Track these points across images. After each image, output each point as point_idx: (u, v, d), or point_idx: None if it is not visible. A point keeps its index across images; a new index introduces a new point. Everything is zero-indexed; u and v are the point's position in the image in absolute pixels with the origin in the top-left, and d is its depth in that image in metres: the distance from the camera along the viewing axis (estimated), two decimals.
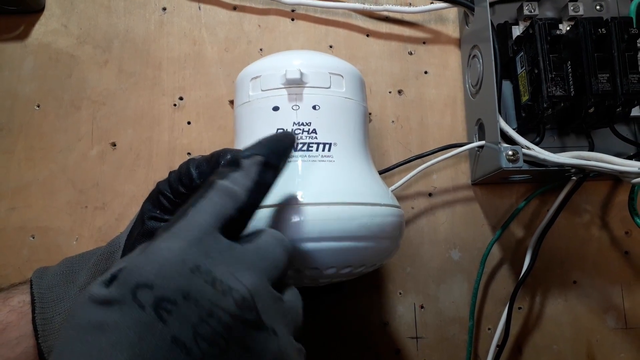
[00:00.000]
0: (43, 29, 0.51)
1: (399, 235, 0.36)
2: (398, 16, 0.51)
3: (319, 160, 0.34)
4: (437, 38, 0.51)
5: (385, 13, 0.51)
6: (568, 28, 0.45)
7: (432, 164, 0.46)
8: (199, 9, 0.52)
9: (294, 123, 0.35)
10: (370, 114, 0.49)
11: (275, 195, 0.32)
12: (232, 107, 0.49)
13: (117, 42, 0.51)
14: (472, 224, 0.48)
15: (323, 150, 0.35)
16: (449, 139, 0.49)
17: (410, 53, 0.51)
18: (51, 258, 0.47)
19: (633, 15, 0.45)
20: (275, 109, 0.35)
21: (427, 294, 0.47)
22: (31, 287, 0.33)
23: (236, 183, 0.27)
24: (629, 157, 0.46)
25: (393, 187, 0.46)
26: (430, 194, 0.49)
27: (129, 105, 0.50)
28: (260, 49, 0.51)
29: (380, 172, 0.47)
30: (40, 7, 0.51)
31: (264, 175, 0.28)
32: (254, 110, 0.36)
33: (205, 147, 0.49)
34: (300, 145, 0.34)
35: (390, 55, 0.51)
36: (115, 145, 0.49)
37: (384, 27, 0.51)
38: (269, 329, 0.24)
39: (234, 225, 0.27)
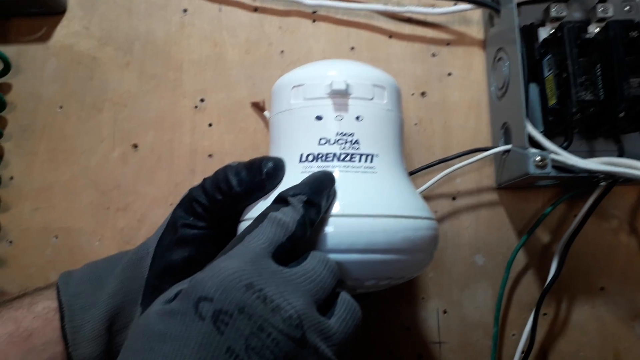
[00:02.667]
0: (65, 30, 0.51)
1: (434, 248, 0.36)
2: (421, 17, 0.50)
3: (362, 172, 0.34)
4: (461, 39, 0.50)
5: (408, 14, 0.50)
6: (597, 30, 0.44)
7: (457, 169, 0.45)
8: (220, 10, 0.51)
9: (337, 133, 0.35)
10: None
11: None
12: (254, 109, 0.49)
13: (138, 44, 0.51)
14: (497, 228, 0.47)
15: (365, 161, 0.34)
16: (473, 142, 0.48)
17: (434, 55, 0.50)
18: (74, 259, 0.47)
19: None
20: (319, 118, 0.35)
21: (451, 299, 0.47)
22: (58, 294, 0.33)
23: (286, 215, 0.29)
24: None
25: (417, 191, 0.45)
26: (454, 198, 0.48)
27: (150, 108, 0.50)
28: (282, 51, 0.51)
29: None
30: (62, 9, 0.51)
31: (308, 212, 0.30)
32: (295, 118, 0.36)
33: (226, 149, 0.49)
34: (343, 156, 0.34)
35: (413, 57, 0.50)
36: (136, 147, 0.49)
37: (407, 29, 0.51)
38: (311, 347, 0.26)
39: (284, 252, 0.28)
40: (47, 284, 0.35)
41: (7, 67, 0.49)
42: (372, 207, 0.32)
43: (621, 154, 0.44)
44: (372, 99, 0.36)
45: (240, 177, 0.33)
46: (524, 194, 0.48)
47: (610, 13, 0.46)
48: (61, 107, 0.50)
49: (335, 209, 0.32)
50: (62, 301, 0.33)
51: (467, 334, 0.46)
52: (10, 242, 0.48)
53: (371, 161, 0.35)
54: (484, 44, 0.50)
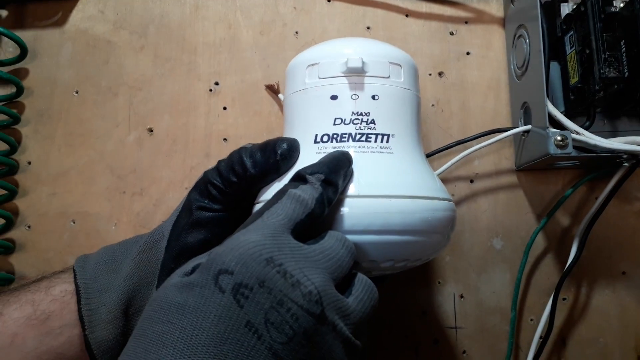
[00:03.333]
0: (80, 15, 0.51)
1: (452, 230, 0.36)
2: None
3: (378, 152, 0.33)
4: (480, 17, 0.49)
5: None
6: (622, 5, 0.42)
7: (475, 150, 0.44)
8: None
9: (353, 113, 0.34)
10: None
11: None
12: (268, 92, 0.49)
13: (152, 27, 0.51)
14: (516, 211, 0.46)
15: (382, 141, 0.34)
16: (492, 123, 0.47)
17: (452, 33, 0.49)
18: (91, 243, 0.48)
19: None
20: (334, 97, 0.34)
21: (467, 283, 0.46)
22: (75, 278, 0.33)
23: (305, 192, 0.29)
24: None
25: (434, 172, 0.45)
26: (471, 181, 0.47)
27: (165, 91, 0.50)
28: (296, 32, 0.50)
29: None
30: None
31: (327, 190, 0.30)
32: (310, 98, 0.35)
33: (241, 132, 0.48)
34: (358, 136, 0.33)
35: (430, 36, 0.49)
36: (152, 131, 0.49)
37: (424, 7, 0.49)
38: (330, 324, 0.26)
39: (303, 229, 0.28)
40: (64, 267, 0.36)
41: (24, 53, 0.49)
42: (388, 188, 0.32)
43: None
44: (388, 77, 0.35)
45: (254, 158, 0.33)
46: (543, 176, 0.46)
47: None
48: (77, 92, 0.50)
49: (351, 189, 0.32)
50: (79, 284, 0.33)
51: (484, 319, 0.45)
52: (29, 226, 0.48)
53: (387, 141, 0.34)
54: (503, 22, 0.49)
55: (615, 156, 0.41)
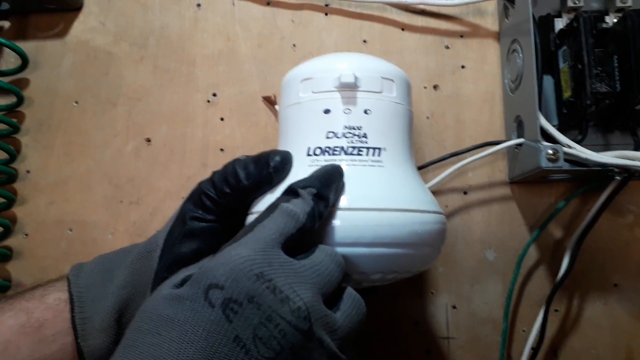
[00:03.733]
0: (82, 26, 0.52)
1: (442, 243, 0.36)
2: (434, 9, 0.50)
3: (369, 165, 0.34)
4: (475, 31, 0.50)
5: (421, 6, 0.50)
6: (615, 20, 0.42)
7: (468, 162, 0.45)
8: (233, 4, 0.52)
9: (345, 127, 0.34)
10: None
11: None
12: (265, 103, 0.49)
13: (152, 39, 0.51)
14: (509, 223, 0.47)
15: (373, 155, 0.34)
16: (486, 136, 0.48)
17: (447, 47, 0.50)
18: (88, 251, 0.48)
19: None
20: (327, 111, 0.35)
21: (460, 294, 0.46)
22: (69, 286, 0.34)
23: (297, 206, 0.29)
24: None
25: (428, 185, 0.45)
26: (465, 192, 0.47)
27: (163, 102, 0.50)
28: (294, 45, 0.51)
29: None
30: (79, 5, 0.52)
31: (318, 204, 0.30)
32: (303, 112, 0.36)
33: (238, 143, 0.49)
34: (350, 149, 0.34)
35: (426, 50, 0.50)
36: (150, 141, 0.50)
37: (420, 21, 0.50)
38: (317, 340, 0.26)
39: (293, 242, 0.29)
40: (60, 275, 0.36)
41: (25, 63, 0.50)
42: (378, 201, 0.32)
43: (637, 147, 0.43)
44: (380, 91, 0.35)
45: (248, 170, 0.33)
46: (536, 189, 0.47)
47: (629, 2, 0.45)
48: (77, 102, 0.51)
49: (342, 202, 0.32)
50: (73, 293, 0.33)
51: (476, 330, 0.46)
52: (26, 234, 0.49)
53: (379, 155, 0.34)
54: (498, 36, 0.49)
55: (607, 169, 0.41)
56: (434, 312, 0.46)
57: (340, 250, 0.31)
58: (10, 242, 0.49)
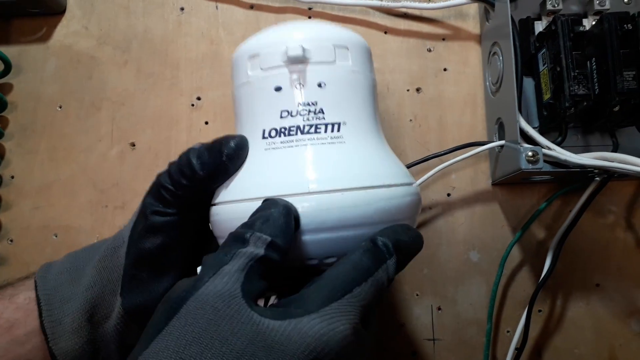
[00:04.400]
0: (64, 30, 0.52)
1: (416, 214, 0.35)
2: (417, 12, 0.50)
3: (329, 143, 0.32)
4: (457, 34, 0.50)
5: (404, 9, 0.50)
6: (593, 23, 0.43)
7: (451, 164, 0.45)
8: (217, 8, 0.52)
9: (299, 103, 0.32)
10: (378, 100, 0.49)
11: (285, 184, 0.31)
12: None
13: (135, 42, 0.51)
14: (492, 224, 0.47)
15: (332, 130, 0.32)
16: (469, 137, 0.48)
17: (429, 50, 0.50)
18: None
19: None
20: (278, 89, 0.33)
21: (445, 295, 0.47)
22: (36, 289, 0.33)
23: (235, 265, 0.27)
24: None
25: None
26: (448, 194, 0.48)
27: (147, 106, 0.50)
28: None
29: None
30: (62, 9, 0.52)
31: (270, 253, 0.28)
32: (254, 91, 0.34)
33: None
34: (307, 128, 0.32)
35: (408, 53, 0.50)
36: (134, 145, 0.50)
37: (402, 24, 0.50)
38: None
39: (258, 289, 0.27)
40: (28, 273, 0.36)
41: (8, 68, 0.50)
42: (339, 181, 0.31)
43: (615, 148, 0.44)
44: (334, 61, 0.33)
45: (202, 160, 0.32)
46: (519, 190, 0.47)
47: (607, 5, 0.45)
48: (61, 107, 0.51)
49: (302, 187, 0.30)
50: (40, 296, 0.33)
51: (461, 331, 0.46)
52: (11, 240, 0.49)
53: (338, 130, 0.32)
54: (479, 39, 0.50)
55: (586, 171, 0.42)
56: (419, 314, 0.47)
57: (305, 237, 0.30)
58: None
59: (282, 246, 0.28)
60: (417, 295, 0.47)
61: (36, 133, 0.50)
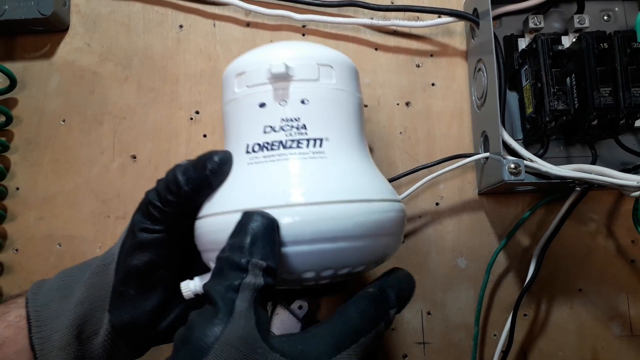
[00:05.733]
0: (68, 47, 0.54)
1: (399, 231, 0.35)
2: (406, 30, 0.53)
3: (310, 157, 0.32)
4: (444, 51, 0.52)
5: (394, 27, 0.52)
6: (573, 40, 0.45)
7: (439, 175, 0.47)
8: (214, 25, 0.54)
9: (282, 119, 0.33)
10: (366, 106, 0.51)
11: (265, 196, 0.31)
12: None
13: (136, 59, 0.53)
14: (479, 232, 0.49)
15: (314, 146, 0.33)
16: (456, 149, 0.50)
17: (418, 66, 0.52)
18: None
19: (638, 30, 0.46)
20: (262, 105, 0.34)
21: (434, 300, 0.49)
22: (27, 305, 0.34)
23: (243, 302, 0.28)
24: (635, 167, 0.47)
25: (400, 197, 0.47)
26: (437, 204, 0.50)
27: (148, 120, 0.52)
28: None
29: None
30: (65, 26, 0.54)
31: (268, 280, 0.29)
32: (240, 107, 0.35)
33: None
34: (289, 143, 0.33)
35: (398, 68, 0.52)
36: (135, 157, 0.52)
37: (392, 41, 0.53)
38: None
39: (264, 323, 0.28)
40: (20, 291, 0.36)
41: (14, 83, 0.52)
42: (318, 194, 0.31)
43: (594, 160, 0.46)
44: (317, 79, 0.34)
45: (187, 175, 0.33)
46: (504, 199, 0.49)
47: (586, 24, 0.48)
48: (64, 121, 0.53)
49: (279, 199, 0.31)
50: (30, 313, 0.33)
51: (450, 335, 0.48)
52: (16, 250, 0.50)
53: (320, 145, 0.33)
54: (466, 55, 0.52)
55: (567, 182, 0.44)
56: (410, 319, 0.48)
57: (283, 249, 0.30)
58: (1, 257, 0.50)
59: (275, 268, 0.29)
60: None
61: (40, 146, 0.52)
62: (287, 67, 0.33)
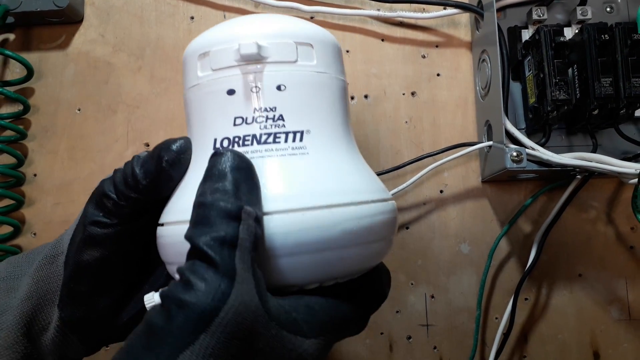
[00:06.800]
0: (82, 38, 0.56)
1: (391, 233, 0.31)
2: (412, 21, 0.54)
3: (289, 154, 0.28)
4: (449, 42, 0.54)
5: (400, 18, 0.54)
6: (576, 31, 0.46)
7: (443, 162, 0.49)
8: (224, 17, 0.55)
9: (255, 109, 0.28)
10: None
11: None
12: None
13: (149, 50, 0.55)
14: (482, 219, 0.51)
15: (293, 140, 0.28)
16: (460, 138, 0.51)
17: (424, 56, 0.53)
18: None
19: (639, 22, 0.47)
20: (231, 92, 0.28)
21: (438, 285, 0.50)
22: None
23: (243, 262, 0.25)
24: (635, 156, 0.48)
25: (405, 184, 0.49)
26: (441, 191, 0.51)
27: (160, 109, 0.54)
28: None
29: (392, 170, 0.50)
30: (80, 18, 0.56)
31: (259, 232, 0.26)
32: (205, 94, 0.29)
33: None
34: (264, 137, 0.28)
35: (404, 59, 0.53)
36: (148, 145, 0.53)
37: (398, 32, 0.54)
38: None
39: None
40: None
41: (30, 73, 0.53)
42: (300, 199, 0.27)
43: (595, 149, 0.47)
44: (295, 61, 0.29)
45: (145, 167, 0.29)
46: (507, 187, 0.51)
47: (589, 15, 0.48)
48: (79, 110, 0.54)
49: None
50: None
51: (453, 317, 0.50)
52: (34, 234, 0.52)
53: (300, 140, 0.28)
54: (470, 46, 0.53)
55: (568, 169, 0.45)
56: (414, 302, 0.50)
57: (264, 262, 0.26)
58: (19, 241, 0.52)
59: (261, 217, 0.26)
60: (412, 284, 0.50)
61: (57, 134, 0.54)
62: (259, 46, 0.28)
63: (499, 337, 0.48)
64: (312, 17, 0.55)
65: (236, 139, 0.28)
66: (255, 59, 0.28)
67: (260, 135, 0.28)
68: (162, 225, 0.29)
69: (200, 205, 0.25)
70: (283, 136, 0.28)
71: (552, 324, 0.50)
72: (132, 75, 0.55)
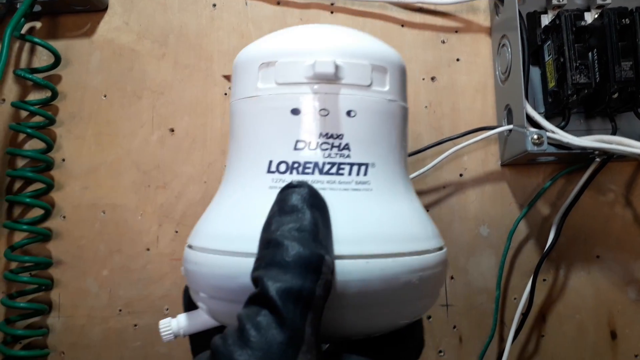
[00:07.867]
0: (107, 26, 0.57)
1: (442, 284, 0.28)
2: (431, 7, 0.54)
3: (352, 189, 0.25)
4: (468, 27, 0.54)
5: (419, 4, 0.54)
6: (596, 16, 0.47)
7: (463, 147, 0.50)
8: (246, 4, 0.56)
9: (320, 134, 0.25)
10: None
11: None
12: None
13: (172, 37, 0.56)
14: (501, 202, 0.52)
15: (357, 174, 0.25)
16: (480, 122, 0.52)
17: (443, 42, 0.54)
18: (119, 231, 0.53)
19: None
20: (296, 111, 0.26)
21: (457, 266, 0.51)
22: None
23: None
24: None
25: (425, 168, 0.50)
26: (461, 175, 0.52)
27: (184, 95, 0.55)
28: None
29: (413, 154, 0.51)
30: (105, 6, 0.57)
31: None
32: (264, 109, 0.26)
33: None
34: (327, 167, 0.25)
35: (423, 44, 0.54)
36: (173, 130, 0.54)
37: (418, 18, 0.55)
38: None
39: None
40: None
41: (58, 61, 0.55)
42: (365, 244, 0.24)
43: (614, 132, 0.48)
44: (369, 85, 0.26)
45: None
46: (525, 170, 0.52)
47: (609, 0, 0.49)
48: (105, 96, 0.55)
49: None
50: None
51: (472, 298, 0.51)
52: (64, 217, 0.54)
53: (365, 174, 0.26)
54: (490, 31, 0.54)
55: (587, 152, 0.46)
56: None
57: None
58: (50, 223, 0.54)
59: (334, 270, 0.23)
60: None
61: (84, 120, 0.55)
62: (337, 66, 0.25)
63: (518, 317, 0.49)
64: (332, 4, 0.55)
65: (295, 165, 0.25)
66: (329, 79, 0.26)
67: (323, 164, 0.25)
68: (192, 247, 0.27)
69: (276, 244, 0.22)
70: (347, 167, 0.25)
71: (570, 305, 0.50)
72: (156, 62, 0.56)
